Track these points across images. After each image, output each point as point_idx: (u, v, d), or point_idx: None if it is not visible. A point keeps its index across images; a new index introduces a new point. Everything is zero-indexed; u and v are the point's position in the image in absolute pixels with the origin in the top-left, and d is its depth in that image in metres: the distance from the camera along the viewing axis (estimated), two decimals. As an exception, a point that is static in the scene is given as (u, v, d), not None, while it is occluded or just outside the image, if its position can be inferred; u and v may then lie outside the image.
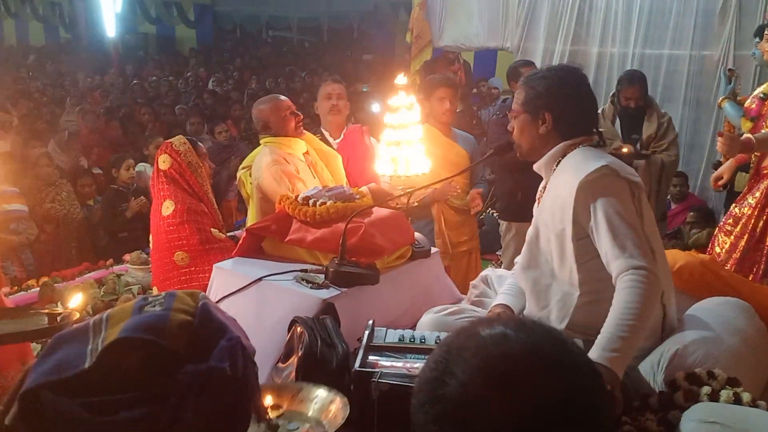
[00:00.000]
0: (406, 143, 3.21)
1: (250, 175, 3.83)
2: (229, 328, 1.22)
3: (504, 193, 4.71)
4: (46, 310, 2.78)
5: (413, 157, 3.19)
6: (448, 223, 4.28)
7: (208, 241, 3.38)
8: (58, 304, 2.90)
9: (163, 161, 3.64)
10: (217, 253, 3.33)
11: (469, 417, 0.91)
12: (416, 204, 3.72)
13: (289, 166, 3.63)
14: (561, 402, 0.91)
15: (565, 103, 2.23)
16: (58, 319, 2.82)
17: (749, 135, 3.83)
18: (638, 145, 4.90)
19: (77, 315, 2.97)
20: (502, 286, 2.57)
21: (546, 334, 0.97)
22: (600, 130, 2.32)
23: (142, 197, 5.70)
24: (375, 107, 9.10)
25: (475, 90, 10.86)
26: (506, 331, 0.96)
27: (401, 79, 3.27)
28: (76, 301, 2.87)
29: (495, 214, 5.71)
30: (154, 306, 1.20)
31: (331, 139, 4.22)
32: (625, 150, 4.65)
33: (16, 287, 4.79)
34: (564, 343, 0.97)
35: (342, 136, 4.28)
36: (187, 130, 7.87)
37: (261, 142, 3.83)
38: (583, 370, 0.96)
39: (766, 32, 4.02)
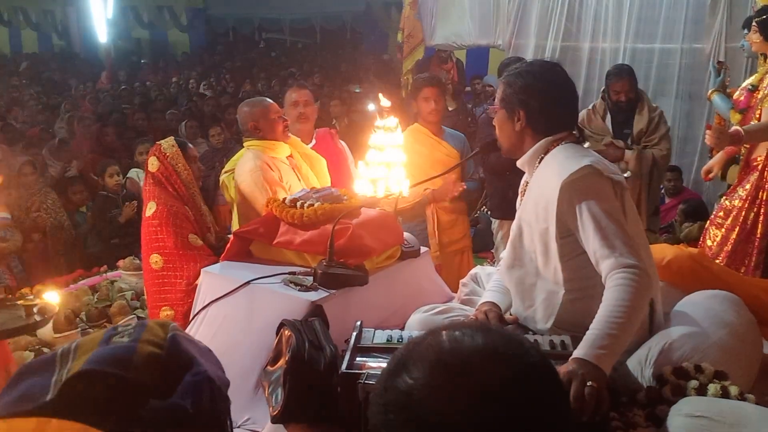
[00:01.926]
0: (386, 165, 3.10)
1: (234, 179, 3.79)
2: (197, 361, 1.15)
3: (495, 190, 4.70)
4: (21, 302, 2.77)
5: (394, 179, 3.07)
6: (441, 223, 4.27)
7: (183, 247, 3.32)
8: (33, 296, 2.89)
9: (152, 163, 3.63)
10: (191, 260, 3.28)
11: (415, 405, 0.92)
12: (407, 205, 3.70)
13: (273, 173, 3.59)
14: (509, 391, 0.91)
15: (537, 100, 2.23)
16: (35, 309, 2.82)
17: (738, 127, 3.83)
18: (629, 140, 4.89)
19: (56, 308, 2.96)
20: (489, 283, 2.57)
21: (505, 337, 0.98)
22: (581, 125, 2.31)
23: (134, 202, 5.71)
24: (371, 107, 9.09)
25: (468, 88, 10.85)
26: (466, 331, 0.98)
27: (386, 101, 3.17)
28: (52, 296, 2.85)
29: (489, 212, 5.70)
30: (123, 336, 1.15)
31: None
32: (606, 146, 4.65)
33: (10, 295, 4.78)
34: (521, 344, 0.98)
35: (314, 141, 4.23)
36: (183, 133, 7.89)
37: (245, 144, 3.78)
38: (539, 370, 0.96)
39: (753, 23, 4.01)
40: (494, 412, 0.90)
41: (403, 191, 2.89)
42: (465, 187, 4.17)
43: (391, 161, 2.98)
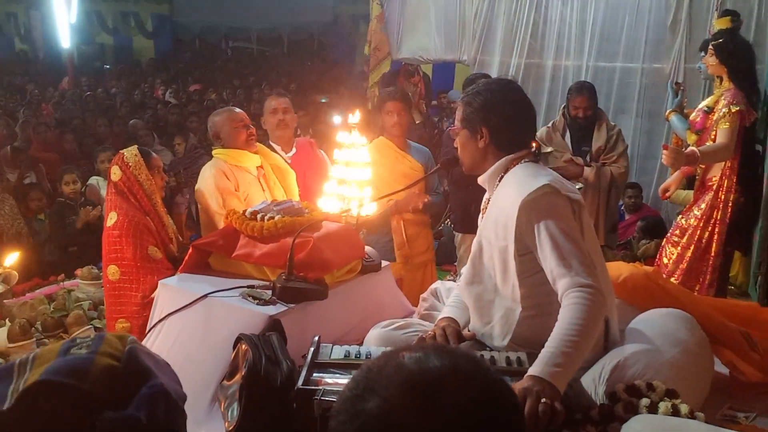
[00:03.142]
0: (354, 183, 3.03)
1: None
2: (154, 375, 1.18)
3: (458, 205, 4.74)
4: None
5: (360, 198, 3.00)
6: (405, 236, 4.29)
7: (141, 259, 3.28)
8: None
9: (114, 173, 3.60)
10: (149, 273, 3.25)
11: (392, 426, 0.93)
12: (371, 217, 3.70)
13: (227, 182, 3.64)
14: (480, 406, 0.95)
15: (499, 116, 2.26)
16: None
17: (694, 148, 3.92)
18: (588, 158, 4.97)
19: (16, 275, 2.88)
20: (449, 299, 2.58)
21: (466, 357, 1.02)
22: (540, 141, 2.35)
23: (89, 207, 5.65)
24: (336, 119, 9.09)
25: (434, 102, 10.94)
26: (427, 353, 1.01)
27: (355, 117, 3.15)
28: (11, 259, 2.78)
29: (452, 226, 5.74)
30: (81, 348, 1.17)
31: (282, 153, 4.20)
32: (565, 163, 4.72)
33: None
34: (480, 363, 1.02)
35: (294, 149, 4.28)
36: (138, 142, 7.83)
37: (213, 153, 3.84)
38: (501, 386, 1.01)
39: (710, 47, 4.11)
40: (468, 427, 0.93)
41: (363, 211, 2.89)
42: (429, 199, 4.18)
43: (359, 179, 2.98)
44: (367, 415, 0.95)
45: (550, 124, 5.16)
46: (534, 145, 2.36)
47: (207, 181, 3.66)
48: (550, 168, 2.56)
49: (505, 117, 2.27)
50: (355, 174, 3.00)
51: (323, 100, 11.56)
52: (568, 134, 5.04)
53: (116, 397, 1.12)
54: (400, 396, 0.95)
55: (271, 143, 4.25)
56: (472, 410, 0.94)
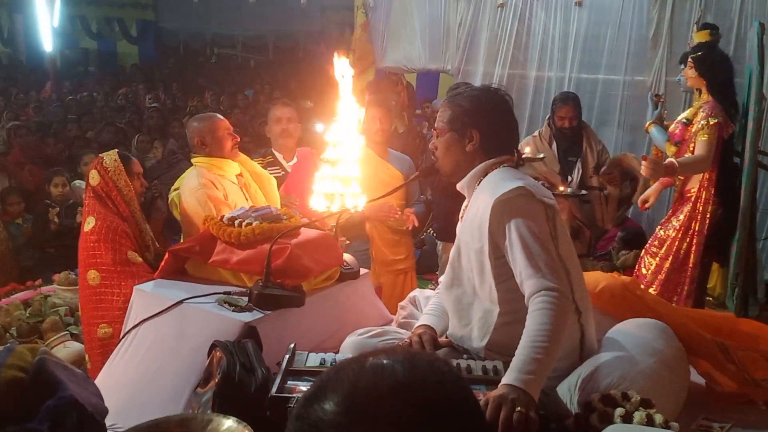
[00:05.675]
0: (342, 180, 2.98)
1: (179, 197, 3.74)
2: (65, 386, 1.15)
3: (441, 213, 4.74)
4: None
5: (348, 194, 3.03)
6: (384, 241, 4.29)
7: (121, 263, 3.25)
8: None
9: (93, 177, 3.55)
10: (129, 277, 3.21)
11: None
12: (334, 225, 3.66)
13: (217, 192, 3.55)
14: None
15: (491, 121, 2.26)
16: None
17: (672, 159, 3.95)
18: (577, 171, 4.97)
19: None
20: (426, 307, 2.57)
21: (428, 375, 0.95)
22: (519, 149, 2.36)
23: (56, 208, 5.64)
24: (318, 127, 9.06)
25: (419, 111, 10.93)
26: (388, 364, 0.95)
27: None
28: None
29: (434, 234, 5.74)
30: None
31: (284, 162, 4.23)
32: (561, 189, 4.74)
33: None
34: (443, 385, 0.95)
35: (295, 158, 4.30)
36: (135, 146, 7.84)
37: (192, 161, 3.74)
38: (456, 411, 0.94)
39: (689, 59, 4.15)
40: None
41: (358, 207, 2.85)
42: (399, 214, 4.14)
43: (346, 176, 2.95)
44: (305, 420, 0.93)
45: (536, 134, 5.18)
46: (516, 155, 2.36)
47: (197, 193, 3.52)
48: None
49: (496, 120, 2.27)
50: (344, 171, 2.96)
51: (309, 105, 11.51)
52: (554, 144, 5.07)
53: (22, 410, 1.09)
54: (337, 411, 0.91)
55: (273, 151, 4.28)
56: None
